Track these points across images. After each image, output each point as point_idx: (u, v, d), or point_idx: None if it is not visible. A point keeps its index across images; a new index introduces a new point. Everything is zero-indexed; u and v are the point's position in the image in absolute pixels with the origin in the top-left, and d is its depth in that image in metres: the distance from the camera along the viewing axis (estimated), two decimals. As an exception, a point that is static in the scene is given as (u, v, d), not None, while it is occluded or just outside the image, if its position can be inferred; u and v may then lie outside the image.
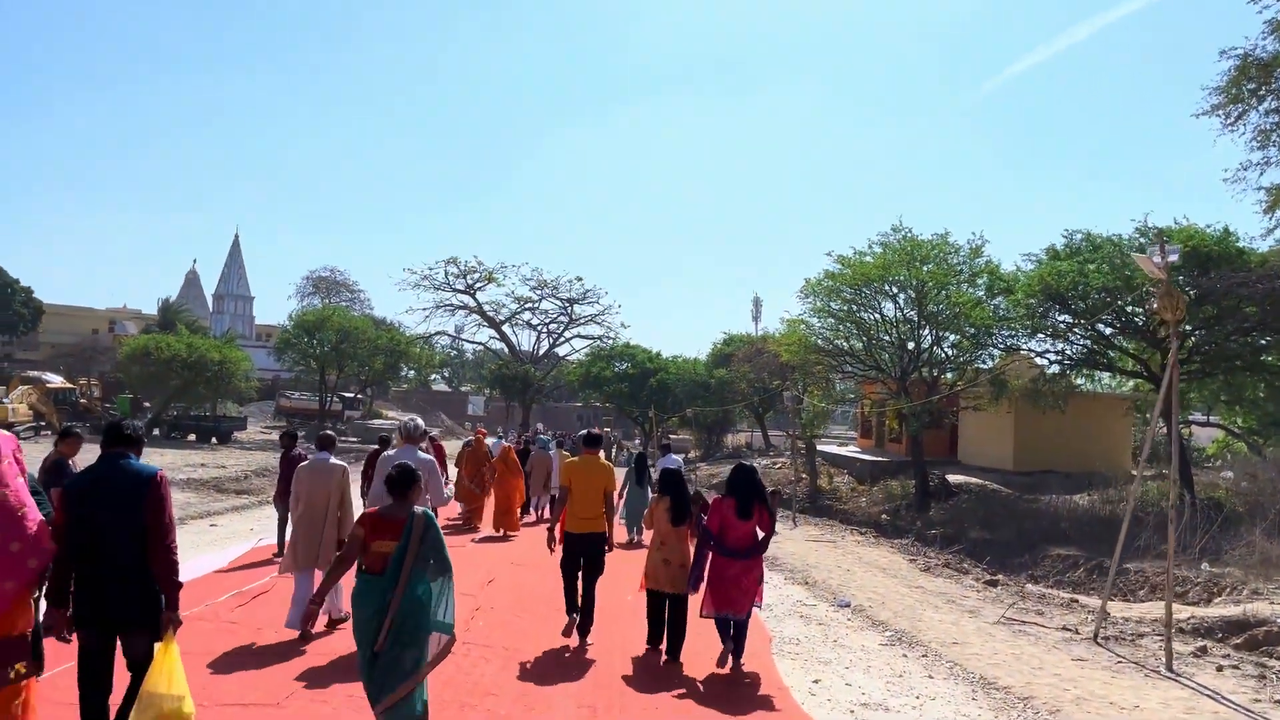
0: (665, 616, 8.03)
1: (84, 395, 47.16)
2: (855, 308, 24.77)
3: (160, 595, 4.71)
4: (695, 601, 7.93)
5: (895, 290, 23.95)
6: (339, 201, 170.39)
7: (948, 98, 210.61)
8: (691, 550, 8.08)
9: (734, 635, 7.62)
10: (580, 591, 8.37)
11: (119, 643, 4.74)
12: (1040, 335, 22.99)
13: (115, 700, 4.77)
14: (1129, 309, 20.72)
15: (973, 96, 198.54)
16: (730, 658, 7.60)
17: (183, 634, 4.84)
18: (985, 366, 24.57)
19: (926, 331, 24.16)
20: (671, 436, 46.75)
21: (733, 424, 49.06)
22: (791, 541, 16.66)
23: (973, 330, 22.76)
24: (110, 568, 4.60)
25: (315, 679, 6.66)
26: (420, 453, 8.33)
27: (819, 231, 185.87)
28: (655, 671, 7.60)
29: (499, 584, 10.77)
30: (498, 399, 68.97)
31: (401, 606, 5.00)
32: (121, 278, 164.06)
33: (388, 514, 5.28)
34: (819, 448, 31.99)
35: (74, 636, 4.67)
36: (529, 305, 61.71)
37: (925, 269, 23.26)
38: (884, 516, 23.81)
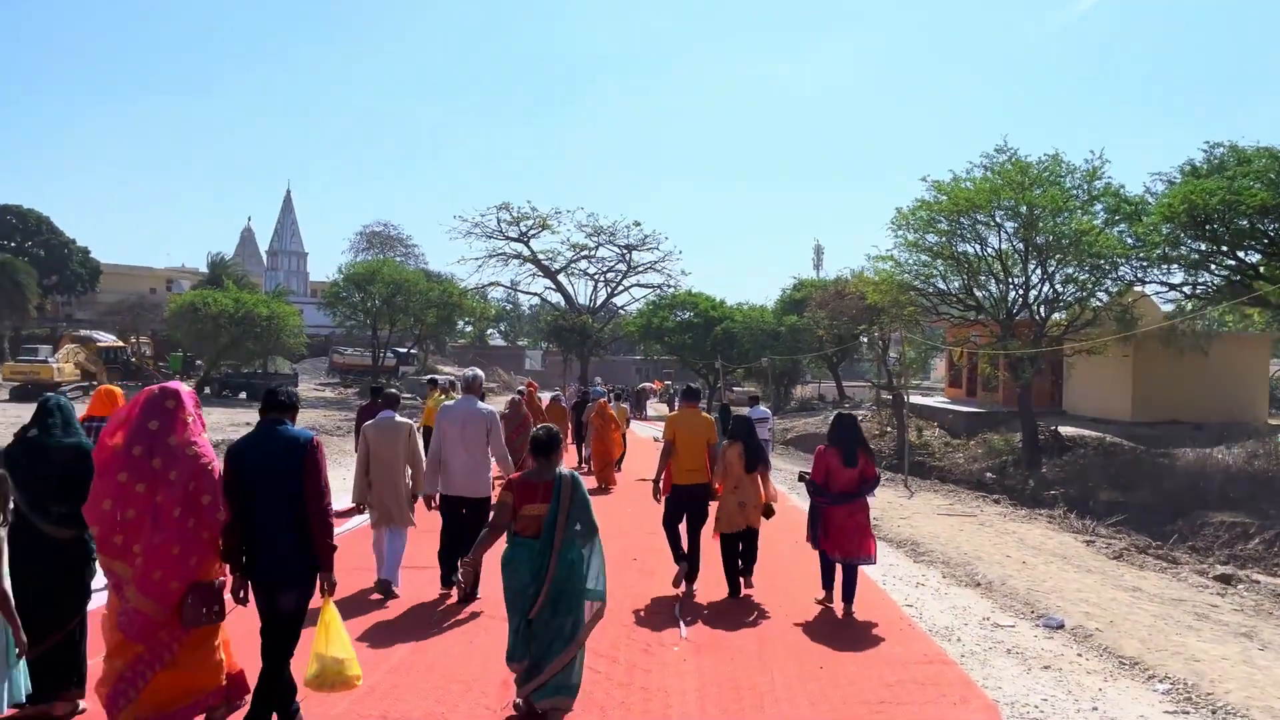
0: (739, 558, 8.40)
1: (134, 353, 46.26)
2: (953, 240, 21.90)
3: (313, 556, 4.81)
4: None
5: (1001, 218, 21.04)
6: (391, 153, 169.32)
7: (1028, 27, 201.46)
8: (763, 491, 8.36)
9: (844, 581, 7.80)
10: (686, 543, 8.50)
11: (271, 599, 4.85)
12: (1171, 266, 19.98)
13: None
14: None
15: (1057, 20, 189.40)
16: (843, 603, 7.81)
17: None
18: (1099, 304, 21.59)
19: (1034, 265, 21.26)
20: (735, 389, 44.30)
21: (802, 375, 46.27)
22: (922, 516, 13.74)
23: (1097, 262, 19.75)
24: (266, 528, 4.73)
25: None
26: (479, 404, 8.13)
27: (885, 177, 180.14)
28: (753, 613, 7.91)
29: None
30: (555, 352, 66.98)
31: (557, 571, 5.02)
32: (181, 237, 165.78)
33: (535, 477, 5.27)
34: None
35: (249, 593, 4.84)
36: (585, 253, 59.04)
37: (1036, 193, 20.29)
38: (989, 475, 21.20)
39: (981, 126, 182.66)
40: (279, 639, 4.81)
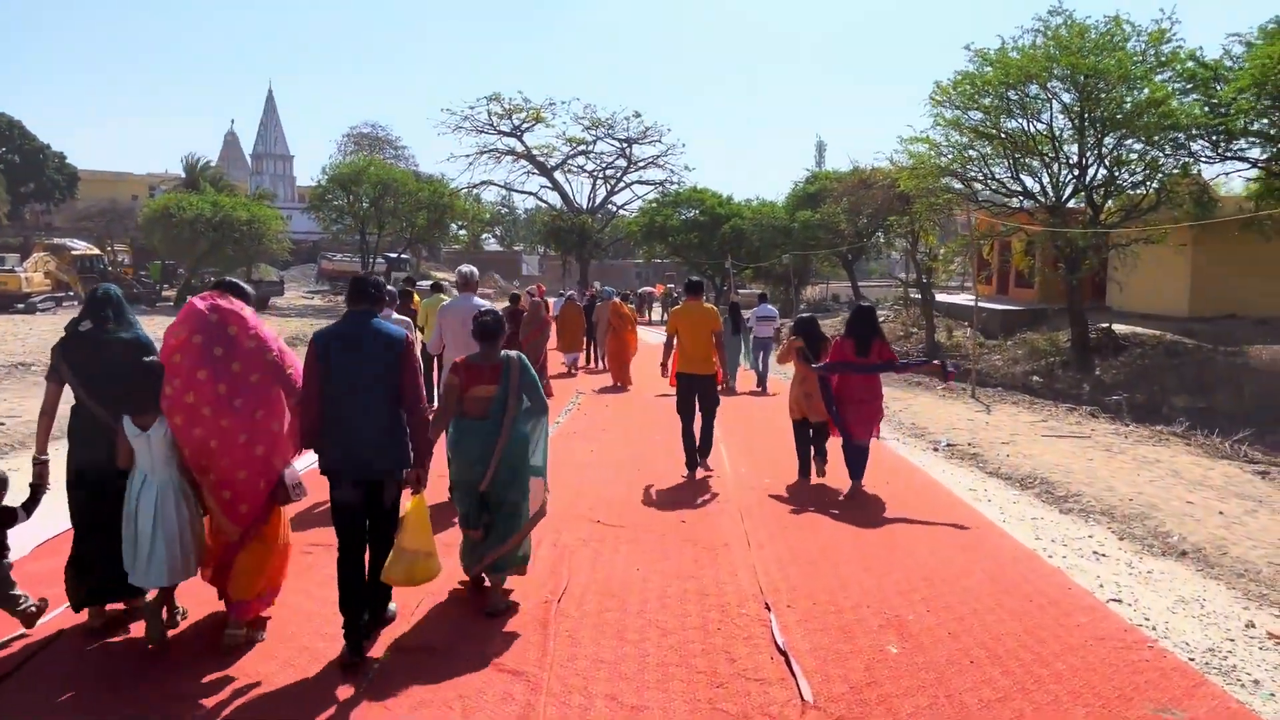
0: (810, 443, 8.93)
1: (111, 262, 44.03)
2: (999, 117, 19.49)
3: (406, 450, 4.81)
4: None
5: (1056, 89, 18.61)
6: (378, 49, 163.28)
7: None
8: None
9: (853, 460, 8.32)
10: (700, 426, 9.04)
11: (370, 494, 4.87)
12: (1252, 140, 17.64)
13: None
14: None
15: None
16: (851, 480, 8.32)
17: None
18: (1159, 185, 19.28)
19: (1092, 143, 18.91)
20: (740, 291, 42.29)
21: (814, 274, 44.00)
22: (1025, 439, 11.33)
23: (1170, 135, 17.43)
24: (363, 422, 4.68)
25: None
26: (478, 299, 7.94)
27: (888, 69, 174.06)
28: (802, 493, 8.22)
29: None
30: (552, 256, 64.53)
31: (507, 448, 5.16)
32: (164, 143, 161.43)
33: (480, 360, 5.41)
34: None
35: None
36: (582, 148, 56.04)
37: (1097, 59, 17.81)
38: (1034, 379, 19.25)
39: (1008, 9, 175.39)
40: (376, 532, 4.83)
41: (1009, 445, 10.86)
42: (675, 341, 9.09)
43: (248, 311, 4.77)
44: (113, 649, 4.78)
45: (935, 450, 10.90)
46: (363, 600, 4.71)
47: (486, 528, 5.21)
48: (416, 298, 12.96)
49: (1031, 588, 5.80)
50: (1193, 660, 4.82)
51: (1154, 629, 5.26)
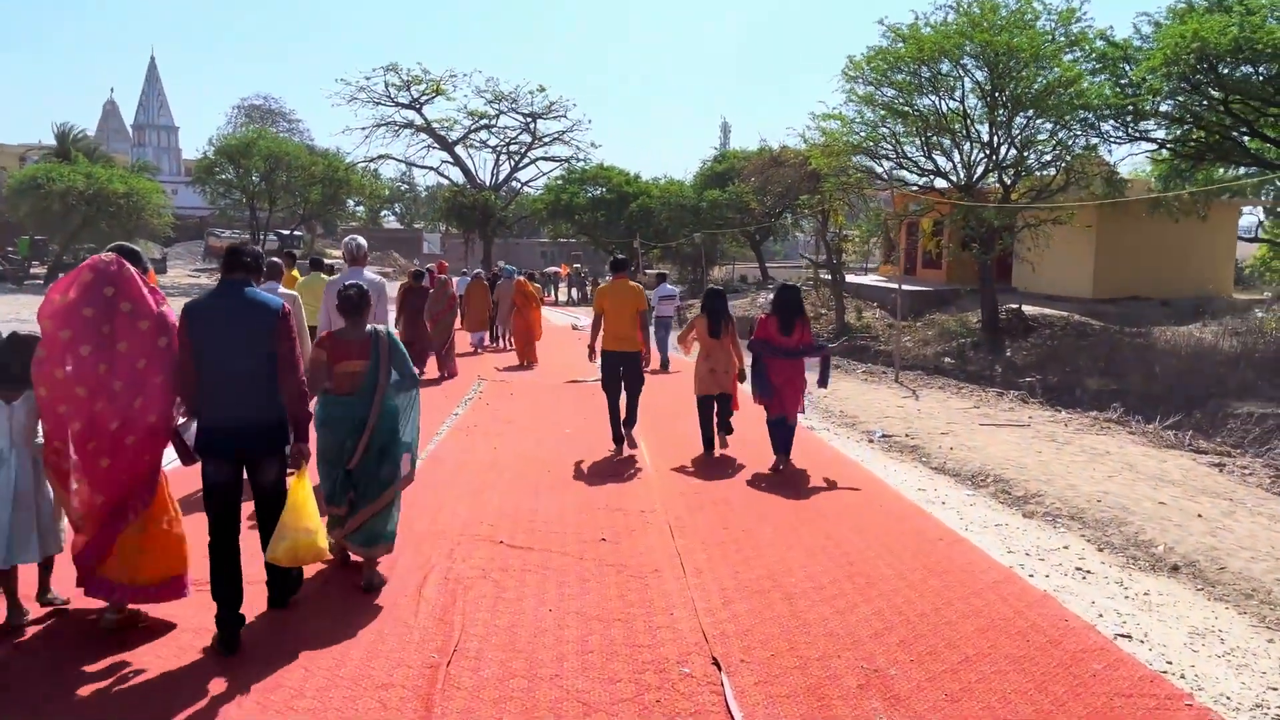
0: (714, 417, 9.07)
1: (-27, 238, 40.96)
2: (912, 95, 19.16)
3: (287, 426, 4.65)
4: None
5: (970, 66, 18.34)
6: (268, 16, 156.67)
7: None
8: (734, 356, 9.04)
9: (782, 438, 8.50)
10: (624, 404, 9.09)
11: (246, 474, 4.68)
12: (1160, 120, 17.69)
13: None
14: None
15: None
16: (785, 462, 8.47)
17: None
18: (1067, 164, 19.27)
19: (1003, 122, 18.73)
20: (648, 271, 41.76)
21: (722, 255, 43.59)
22: (964, 429, 10.61)
23: (1081, 115, 17.35)
24: (238, 398, 4.49)
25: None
26: (368, 273, 7.74)
27: (792, 52, 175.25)
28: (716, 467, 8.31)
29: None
30: (454, 234, 62.65)
31: (380, 423, 5.14)
32: (38, 113, 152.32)
33: (348, 335, 5.33)
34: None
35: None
36: (485, 122, 54.09)
37: (1009, 37, 17.59)
38: (946, 360, 19.10)
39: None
40: (264, 511, 4.68)
41: (948, 436, 10.24)
42: (601, 320, 9.07)
43: (146, 288, 4.40)
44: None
45: (871, 442, 10.25)
46: (237, 587, 4.44)
47: (351, 503, 5.18)
48: (295, 273, 11.79)
49: (1025, 622, 4.87)
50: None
51: (1181, 676, 4.39)
